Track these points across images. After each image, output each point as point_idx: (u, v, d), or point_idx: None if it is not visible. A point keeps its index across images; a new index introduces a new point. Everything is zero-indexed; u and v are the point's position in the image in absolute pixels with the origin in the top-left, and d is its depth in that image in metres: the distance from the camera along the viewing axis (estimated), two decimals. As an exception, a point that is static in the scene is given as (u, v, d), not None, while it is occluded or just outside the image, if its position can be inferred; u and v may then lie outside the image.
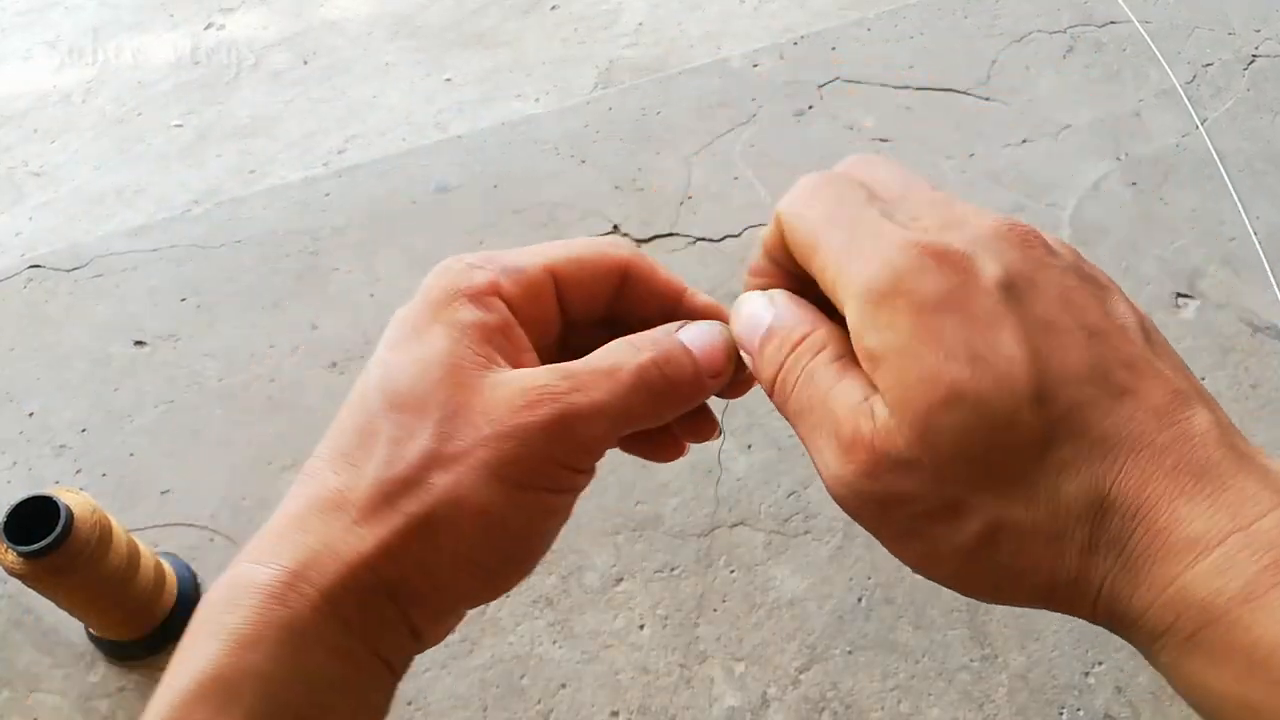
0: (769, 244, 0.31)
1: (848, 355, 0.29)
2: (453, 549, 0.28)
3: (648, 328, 0.32)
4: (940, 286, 0.26)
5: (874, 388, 0.27)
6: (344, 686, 0.28)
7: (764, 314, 0.31)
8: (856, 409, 0.27)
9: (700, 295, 0.35)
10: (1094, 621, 0.27)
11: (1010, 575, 0.27)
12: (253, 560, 0.29)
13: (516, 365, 0.30)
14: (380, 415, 0.29)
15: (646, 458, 0.35)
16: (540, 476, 0.28)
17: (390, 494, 0.28)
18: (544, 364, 0.30)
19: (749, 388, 0.34)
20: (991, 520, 0.26)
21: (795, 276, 0.32)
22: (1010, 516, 0.26)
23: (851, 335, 0.27)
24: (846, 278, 0.27)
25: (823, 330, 0.30)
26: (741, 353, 0.32)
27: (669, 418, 0.32)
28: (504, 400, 0.28)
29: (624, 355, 0.30)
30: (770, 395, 0.31)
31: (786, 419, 0.30)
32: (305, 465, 0.31)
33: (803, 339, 0.30)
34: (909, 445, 0.26)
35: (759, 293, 0.32)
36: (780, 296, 0.31)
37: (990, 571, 0.27)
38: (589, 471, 0.30)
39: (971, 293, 0.26)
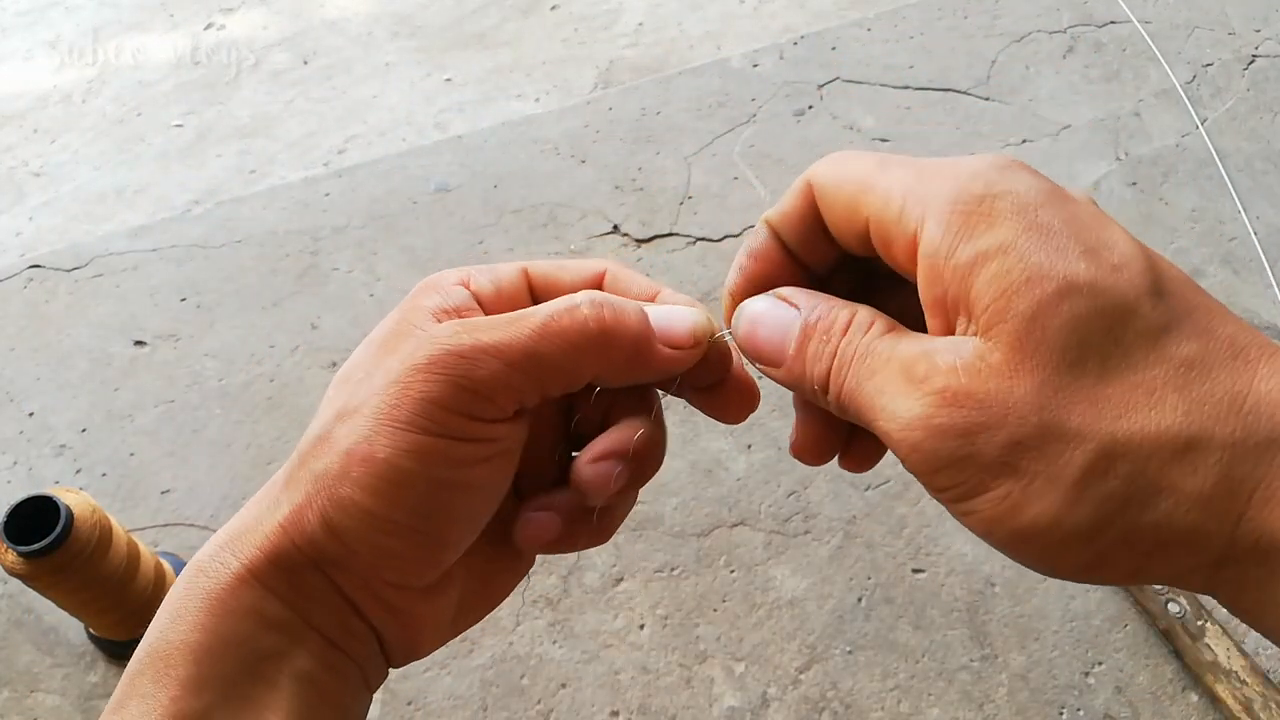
0: (785, 220, 0.29)
1: (899, 327, 0.27)
2: (351, 501, 0.27)
3: None
4: (1038, 188, 0.24)
5: (945, 335, 0.25)
6: (278, 658, 0.27)
7: (788, 314, 0.29)
8: (928, 350, 0.25)
9: (677, 295, 0.33)
10: (1215, 569, 0.22)
11: (1125, 507, 0.22)
12: (205, 555, 0.29)
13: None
14: (326, 397, 0.29)
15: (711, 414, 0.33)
16: (432, 422, 0.27)
17: (304, 457, 0.28)
18: None
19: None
20: (1105, 439, 0.22)
21: (798, 267, 0.30)
22: (1130, 431, 0.22)
23: (929, 265, 0.25)
24: (924, 197, 0.25)
25: (865, 310, 0.28)
26: (760, 367, 0.30)
27: (606, 370, 0.29)
28: (405, 349, 0.27)
29: (546, 305, 0.28)
30: (819, 396, 0.28)
31: (849, 409, 0.27)
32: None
33: (849, 322, 0.27)
34: (1008, 357, 0.23)
35: (761, 297, 0.30)
36: (796, 294, 0.29)
37: (1097, 508, 0.22)
38: (502, 422, 0.28)
39: (1068, 195, 0.25)
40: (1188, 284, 0.24)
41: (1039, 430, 0.23)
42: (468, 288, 0.30)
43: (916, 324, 0.27)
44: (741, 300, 0.30)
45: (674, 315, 0.30)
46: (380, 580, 0.28)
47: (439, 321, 0.29)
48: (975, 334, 0.24)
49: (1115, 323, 0.23)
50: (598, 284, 0.32)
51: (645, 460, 0.31)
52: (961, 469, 0.24)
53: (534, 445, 0.31)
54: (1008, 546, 0.25)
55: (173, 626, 0.27)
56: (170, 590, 0.28)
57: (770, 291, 0.30)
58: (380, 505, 0.27)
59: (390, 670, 0.31)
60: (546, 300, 0.30)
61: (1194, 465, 0.22)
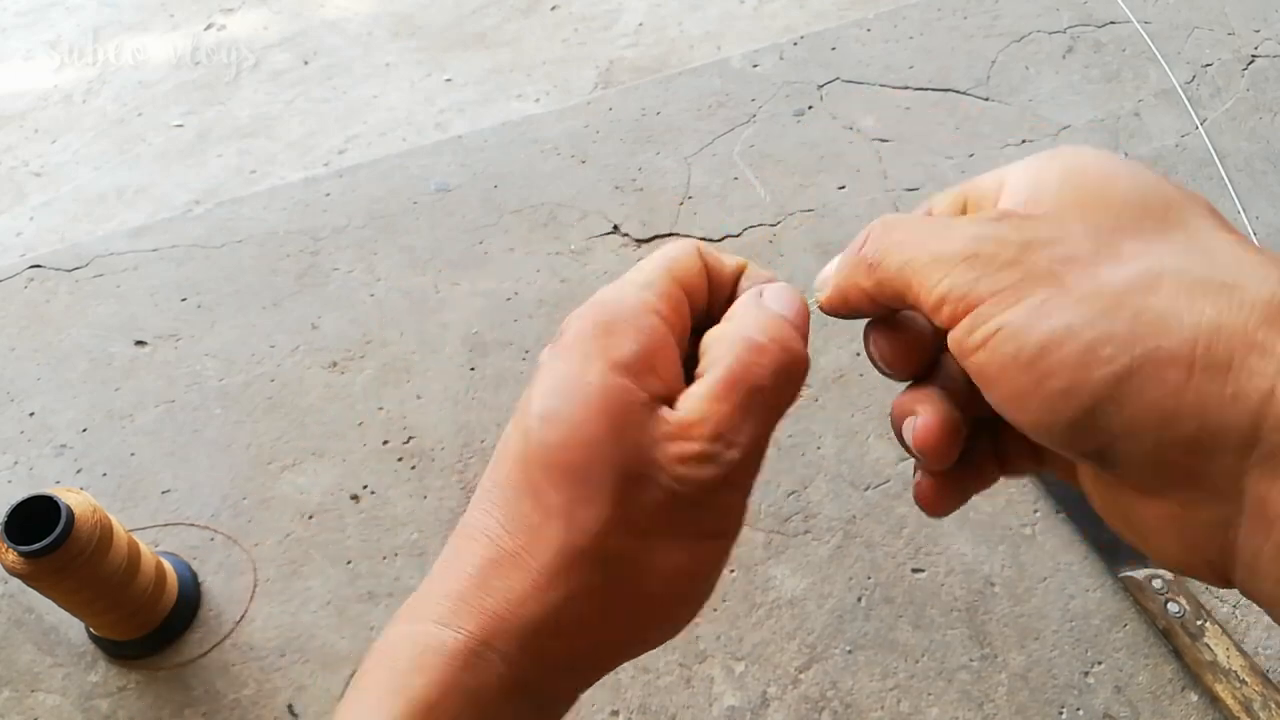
0: (843, 308, 0.31)
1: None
2: (640, 612, 0.28)
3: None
4: (1107, 154, 0.28)
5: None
6: None
7: (824, 270, 0.31)
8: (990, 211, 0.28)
9: (760, 269, 0.34)
10: (1240, 446, 0.21)
11: (1155, 323, 0.22)
12: (437, 621, 0.27)
13: (670, 392, 0.29)
14: (548, 474, 0.27)
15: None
16: (720, 528, 0.29)
17: (574, 560, 0.27)
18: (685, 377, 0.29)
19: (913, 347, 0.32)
20: (1154, 264, 0.23)
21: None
22: (1178, 265, 0.23)
23: (1016, 180, 0.28)
24: (1013, 166, 0.28)
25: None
26: (823, 300, 0.31)
27: (797, 385, 0.30)
28: (671, 458, 0.27)
29: (745, 362, 0.28)
30: (865, 275, 0.29)
31: (880, 276, 0.28)
32: (466, 520, 0.29)
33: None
34: (1069, 204, 0.26)
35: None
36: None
37: (1129, 319, 0.22)
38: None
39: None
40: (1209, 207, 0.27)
41: (1094, 251, 0.24)
42: (658, 314, 0.30)
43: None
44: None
45: (788, 299, 0.31)
46: (621, 663, 0.30)
47: (646, 375, 0.28)
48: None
49: (1173, 201, 0.25)
50: (739, 271, 0.34)
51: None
52: (1010, 272, 0.24)
53: None
54: (1019, 371, 0.23)
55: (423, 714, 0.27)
56: (403, 674, 0.27)
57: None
58: (663, 610, 0.30)
59: None
60: (693, 301, 0.32)
61: (1238, 302, 0.22)
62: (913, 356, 0.31)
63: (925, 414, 0.29)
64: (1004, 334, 0.24)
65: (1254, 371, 0.21)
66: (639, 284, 0.30)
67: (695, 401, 0.28)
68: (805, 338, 0.30)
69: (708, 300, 0.32)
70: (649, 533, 0.27)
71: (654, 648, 0.30)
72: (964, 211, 0.29)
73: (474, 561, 0.27)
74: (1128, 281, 0.23)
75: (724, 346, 0.28)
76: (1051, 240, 0.24)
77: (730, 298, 0.32)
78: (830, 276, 0.31)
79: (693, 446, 0.27)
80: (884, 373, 0.32)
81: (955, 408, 0.29)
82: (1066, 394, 0.23)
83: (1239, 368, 0.21)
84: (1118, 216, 0.25)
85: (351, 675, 0.79)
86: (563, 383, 0.27)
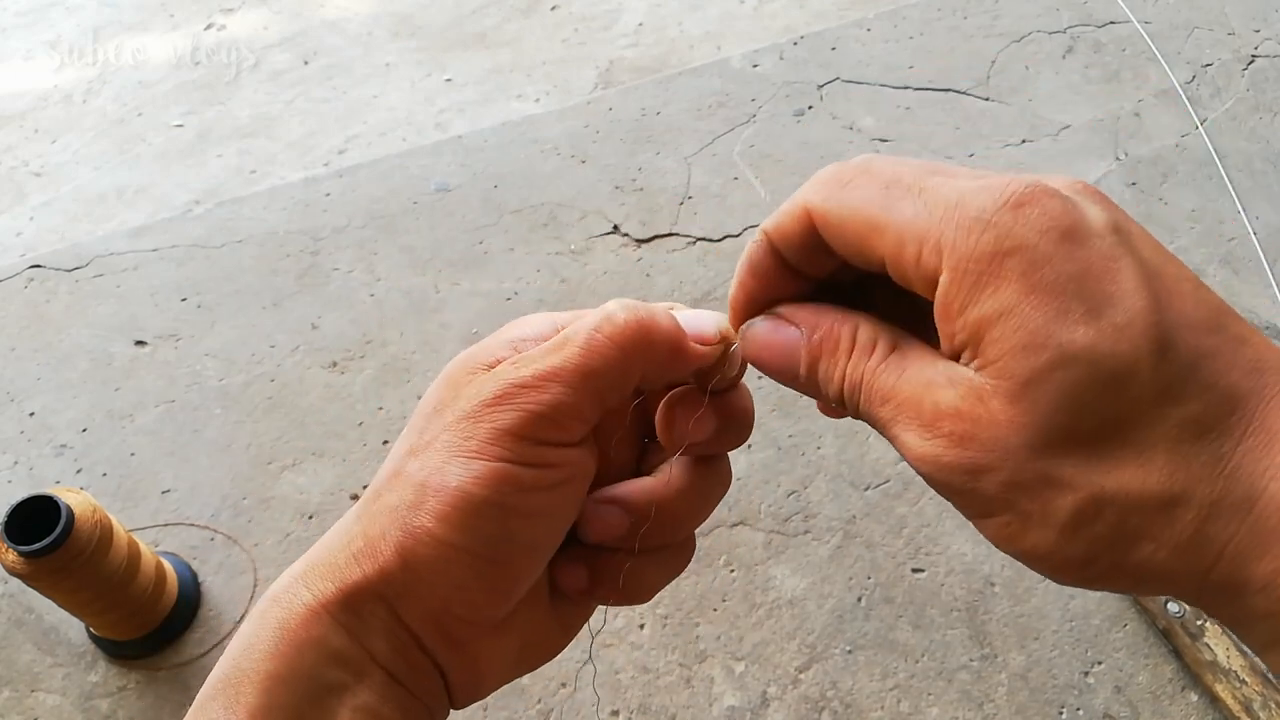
0: (784, 239, 0.29)
1: (899, 340, 0.28)
2: (424, 531, 0.27)
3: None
4: (1050, 235, 0.24)
5: (952, 359, 0.26)
6: (342, 692, 0.28)
7: (791, 335, 0.30)
8: (933, 385, 0.26)
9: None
10: (1196, 599, 0.25)
11: (1110, 549, 0.24)
12: (277, 581, 0.30)
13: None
14: (400, 438, 0.30)
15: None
16: (504, 449, 0.28)
17: (378, 493, 0.29)
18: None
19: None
20: (1095, 491, 0.24)
21: (798, 278, 0.30)
22: (1117, 485, 0.24)
23: (942, 308, 0.25)
24: (936, 246, 0.25)
25: (865, 326, 0.28)
26: (783, 383, 0.31)
27: (650, 376, 0.30)
28: (471, 388, 0.29)
29: (585, 321, 0.29)
30: (840, 408, 0.29)
31: (866, 422, 0.29)
32: None
33: (852, 344, 0.28)
34: (1005, 409, 0.24)
35: (764, 318, 0.30)
36: (798, 311, 0.30)
37: (1087, 545, 0.24)
38: (566, 446, 0.29)
39: (1083, 236, 0.24)
40: (1200, 327, 0.24)
41: (1034, 477, 0.24)
42: (557, 328, 0.31)
43: (916, 310, 0.28)
44: (743, 312, 0.31)
45: (700, 315, 0.31)
46: (448, 614, 0.29)
47: (516, 351, 0.30)
48: (978, 372, 0.25)
49: (1110, 389, 0.24)
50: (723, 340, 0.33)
51: (668, 523, 0.32)
52: (969, 498, 0.26)
53: (606, 477, 0.32)
54: (1015, 557, 0.27)
55: (245, 655, 0.27)
56: (245, 620, 0.29)
57: (771, 311, 0.30)
58: (453, 534, 0.28)
59: (452, 711, 0.32)
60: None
61: (1173, 519, 0.24)
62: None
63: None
64: (986, 534, 0.27)
65: (1186, 579, 0.24)
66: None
67: (526, 355, 0.30)
68: (705, 339, 0.31)
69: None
70: (433, 449, 0.28)
71: (482, 602, 0.29)
72: (875, 254, 0.27)
73: (328, 535, 0.30)
74: (1072, 512, 0.24)
75: (573, 326, 0.30)
76: (993, 466, 0.25)
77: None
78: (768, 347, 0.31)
79: (494, 372, 0.29)
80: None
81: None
82: (1050, 578, 0.27)
83: (1176, 577, 0.24)
84: (1054, 431, 0.24)
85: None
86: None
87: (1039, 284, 0.24)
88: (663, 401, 0.32)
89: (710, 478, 0.33)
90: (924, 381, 0.26)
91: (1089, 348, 0.23)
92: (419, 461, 0.28)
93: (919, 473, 0.27)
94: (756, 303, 0.31)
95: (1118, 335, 0.23)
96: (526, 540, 0.29)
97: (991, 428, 0.24)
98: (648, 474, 0.33)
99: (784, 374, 0.30)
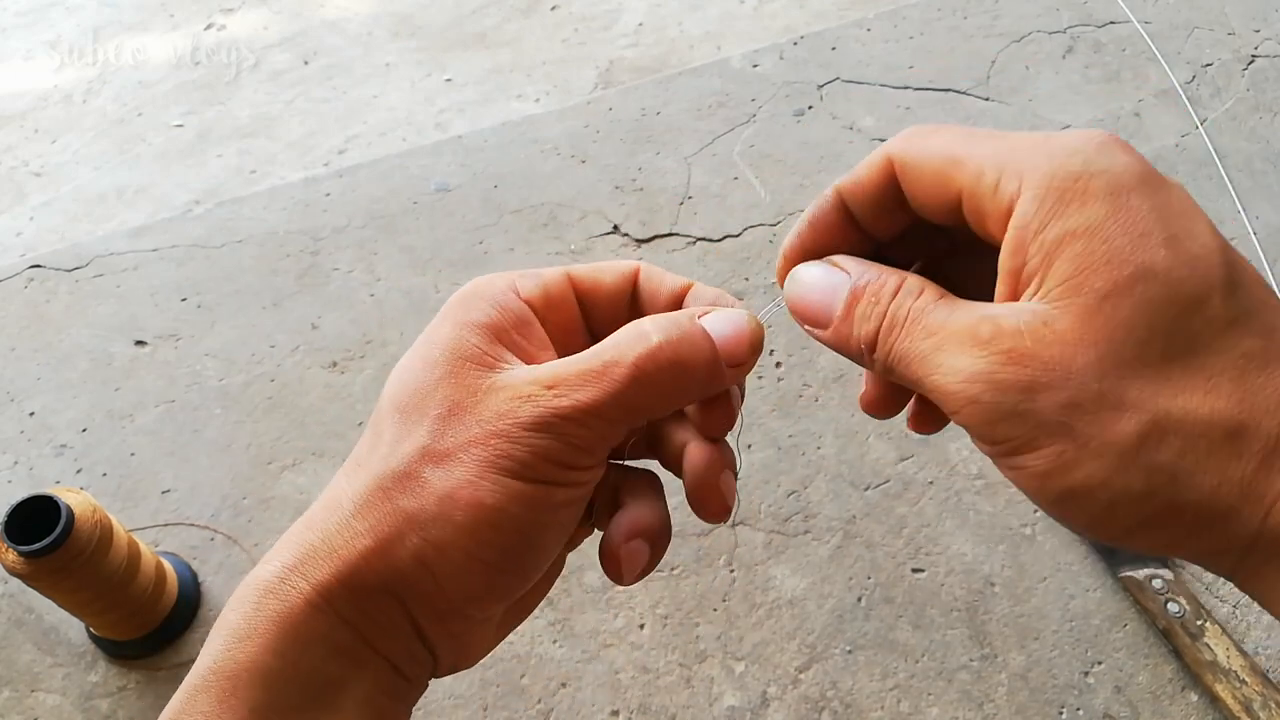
0: (859, 191, 0.30)
1: (948, 295, 0.28)
2: (448, 542, 0.27)
3: None
4: (1134, 171, 0.25)
5: (1007, 301, 0.26)
6: (343, 684, 0.27)
7: (838, 277, 0.30)
8: (990, 315, 0.26)
9: (707, 287, 0.34)
10: (1247, 551, 0.24)
11: (1171, 481, 0.23)
12: (263, 563, 0.29)
13: (533, 362, 0.30)
14: (385, 417, 0.30)
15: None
16: (533, 471, 0.28)
17: (386, 489, 0.28)
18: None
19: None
20: (1159, 414, 0.23)
21: (859, 235, 0.31)
22: (1184, 409, 0.23)
23: (1017, 232, 0.25)
24: (1020, 169, 0.25)
25: (912, 277, 0.29)
26: (807, 328, 0.31)
27: (682, 404, 0.31)
28: (497, 400, 0.28)
29: (625, 347, 0.29)
30: (865, 355, 0.29)
31: (898, 369, 0.28)
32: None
33: (899, 286, 0.28)
34: (1075, 327, 0.24)
35: (814, 263, 0.31)
36: (848, 260, 0.30)
37: (1146, 476, 0.24)
38: (595, 467, 0.30)
39: (1161, 179, 0.26)
40: (1260, 282, 0.25)
41: (1098, 396, 0.24)
42: (518, 295, 0.31)
43: (969, 296, 0.28)
44: (795, 262, 0.31)
45: (732, 330, 0.31)
46: (456, 613, 0.29)
47: (498, 341, 0.30)
48: (1043, 302, 0.25)
49: (1185, 311, 0.24)
50: (632, 282, 0.34)
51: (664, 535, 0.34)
52: (1020, 423, 0.25)
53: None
54: (1055, 504, 0.25)
55: (241, 647, 0.27)
56: (229, 609, 0.28)
57: (824, 259, 0.31)
58: (480, 548, 0.28)
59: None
60: (593, 304, 0.33)
61: (1239, 451, 0.23)
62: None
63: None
64: (1026, 475, 0.25)
65: (1248, 514, 0.23)
66: (522, 273, 0.33)
67: (550, 364, 0.29)
68: (739, 361, 0.30)
69: (640, 303, 0.34)
70: (460, 462, 0.28)
71: (489, 601, 0.29)
72: (954, 197, 0.28)
73: (313, 506, 0.30)
74: (1135, 436, 0.24)
75: (613, 341, 0.29)
76: (1054, 384, 0.24)
77: (678, 306, 0.34)
78: (818, 311, 0.30)
79: (524, 389, 0.28)
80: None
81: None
82: (1088, 529, 0.26)
83: (1236, 512, 0.24)
84: (1122, 347, 0.24)
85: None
86: (418, 343, 0.31)
87: (1124, 206, 0.24)
88: (699, 404, 0.32)
89: (721, 455, 0.34)
90: (980, 314, 0.26)
91: (1167, 269, 0.24)
92: (443, 471, 0.28)
93: (960, 408, 0.26)
94: (810, 255, 0.31)
95: (1194, 263, 0.24)
96: (545, 549, 0.29)
97: (1057, 346, 0.24)
98: (634, 457, 0.34)
99: (818, 316, 0.30)
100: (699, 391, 0.31)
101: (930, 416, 0.33)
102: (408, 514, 0.28)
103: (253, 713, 0.26)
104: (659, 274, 0.35)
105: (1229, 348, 0.24)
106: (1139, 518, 0.24)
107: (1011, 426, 0.25)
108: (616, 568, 0.32)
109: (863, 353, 0.29)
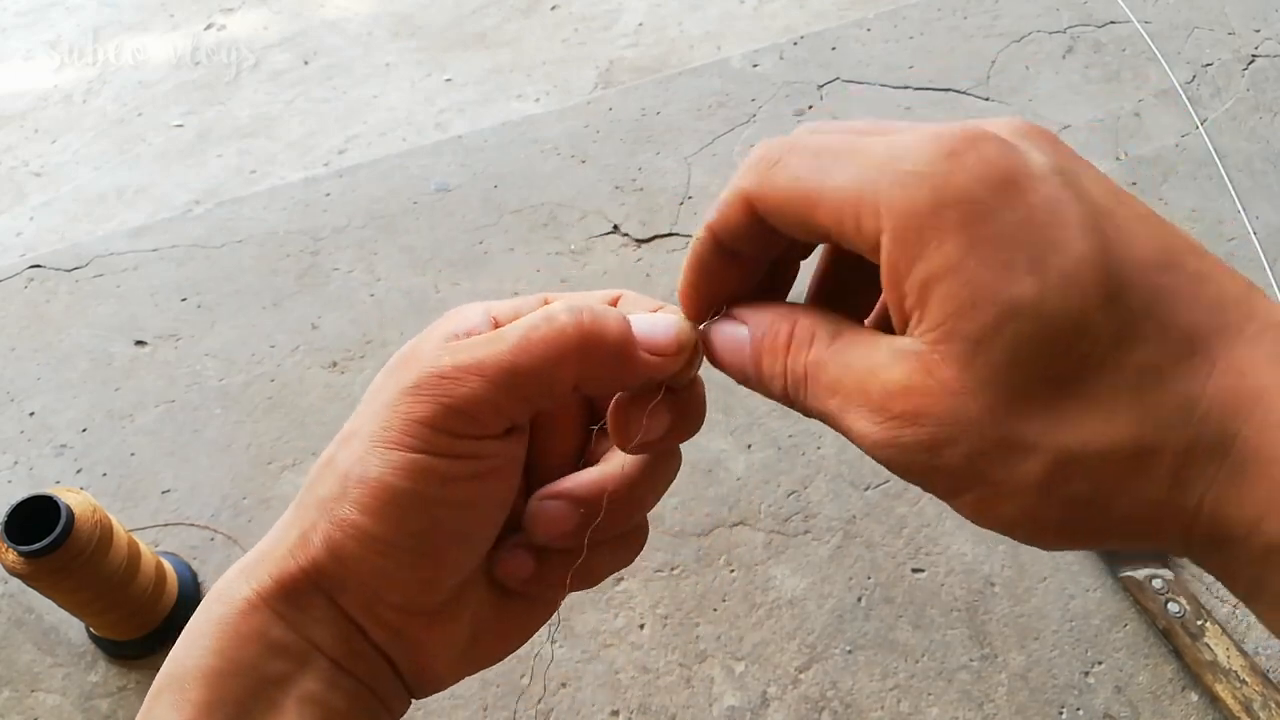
0: (728, 230, 0.28)
1: (842, 328, 0.26)
2: (350, 522, 0.27)
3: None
4: (990, 182, 0.23)
5: (902, 333, 0.24)
6: (286, 681, 0.28)
7: (740, 332, 0.29)
8: (878, 367, 0.24)
9: (642, 298, 0.33)
10: (1184, 551, 0.23)
11: (1088, 509, 0.23)
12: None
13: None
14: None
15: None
16: (419, 440, 0.27)
17: (311, 484, 0.29)
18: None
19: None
20: (1060, 451, 0.22)
21: (751, 265, 0.29)
22: (1083, 442, 0.22)
23: (888, 273, 0.24)
24: (874, 209, 0.23)
25: (804, 319, 0.27)
26: (742, 383, 0.30)
27: (590, 378, 0.29)
28: (398, 378, 0.28)
29: (525, 318, 0.28)
30: (791, 405, 0.28)
31: (817, 418, 0.27)
32: None
33: (789, 338, 0.27)
34: (958, 375, 0.23)
35: (718, 318, 0.29)
36: (745, 310, 0.29)
37: (1063, 508, 0.23)
38: (491, 439, 0.28)
39: (1024, 181, 0.23)
40: (1154, 265, 0.23)
41: (998, 442, 0.23)
42: (495, 323, 0.30)
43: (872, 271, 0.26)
44: (693, 310, 0.30)
45: (657, 322, 0.30)
46: (382, 602, 0.29)
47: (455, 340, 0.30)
48: (924, 342, 0.24)
49: (1064, 339, 0.22)
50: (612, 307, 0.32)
51: (618, 514, 0.31)
52: (935, 477, 0.24)
53: (548, 463, 0.32)
54: (996, 530, 0.25)
55: (188, 652, 0.28)
56: (192, 617, 0.29)
57: (725, 310, 0.30)
58: (375, 525, 0.27)
59: (413, 700, 0.32)
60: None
61: (1148, 472, 0.22)
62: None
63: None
64: (964, 512, 0.25)
65: (1169, 532, 0.23)
66: (498, 301, 0.32)
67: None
68: (660, 350, 0.29)
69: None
70: (358, 437, 0.28)
71: (412, 589, 0.29)
72: (819, 226, 0.26)
73: (271, 530, 0.30)
74: (1043, 475, 0.23)
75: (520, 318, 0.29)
76: (953, 438, 0.23)
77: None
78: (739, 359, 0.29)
79: (423, 360, 0.28)
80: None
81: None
82: (1033, 545, 0.26)
83: (1158, 532, 0.23)
84: (1009, 389, 0.22)
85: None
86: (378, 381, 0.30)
87: (981, 236, 0.22)
88: (614, 401, 0.31)
89: (661, 467, 0.32)
90: (869, 365, 0.25)
91: (1036, 300, 0.22)
92: (346, 450, 0.28)
93: (878, 460, 0.25)
94: (707, 299, 0.30)
95: (1065, 284, 0.22)
96: (452, 530, 0.28)
97: (945, 398, 0.23)
98: (594, 463, 0.32)
99: (738, 374, 0.29)
100: (606, 367, 0.29)
101: None
102: (319, 500, 0.28)
103: (197, 711, 0.26)
104: (636, 300, 0.33)
105: (1120, 365, 0.22)
106: (1072, 538, 0.24)
107: (930, 480, 0.25)
108: (525, 524, 0.31)
109: (789, 403, 0.28)
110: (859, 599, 0.85)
